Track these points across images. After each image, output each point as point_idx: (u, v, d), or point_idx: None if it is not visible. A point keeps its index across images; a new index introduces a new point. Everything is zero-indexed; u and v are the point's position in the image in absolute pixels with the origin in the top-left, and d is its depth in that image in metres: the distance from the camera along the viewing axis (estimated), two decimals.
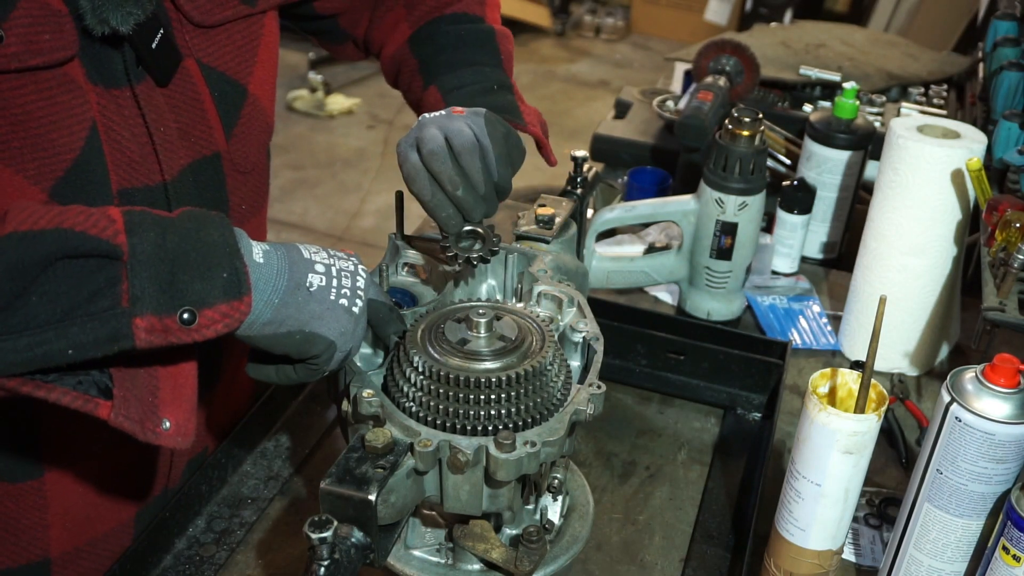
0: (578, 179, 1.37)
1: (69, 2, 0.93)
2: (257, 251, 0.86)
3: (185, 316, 0.80)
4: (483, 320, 0.91)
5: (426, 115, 1.03)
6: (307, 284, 0.87)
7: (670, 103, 2.15)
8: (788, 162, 1.92)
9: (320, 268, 0.88)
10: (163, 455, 1.21)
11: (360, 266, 0.92)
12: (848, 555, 1.16)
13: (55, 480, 1.10)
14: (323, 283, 0.88)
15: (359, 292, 0.90)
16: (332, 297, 0.88)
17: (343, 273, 0.90)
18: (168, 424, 0.86)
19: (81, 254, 0.77)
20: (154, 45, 0.98)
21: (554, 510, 1.02)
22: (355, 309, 0.89)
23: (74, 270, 0.77)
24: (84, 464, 1.12)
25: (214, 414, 1.28)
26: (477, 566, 0.96)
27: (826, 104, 2.10)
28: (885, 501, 1.22)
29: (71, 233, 0.77)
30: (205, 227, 0.83)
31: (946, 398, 0.94)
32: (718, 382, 1.40)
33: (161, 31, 0.99)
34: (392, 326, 0.96)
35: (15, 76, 0.90)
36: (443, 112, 1.02)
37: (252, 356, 0.94)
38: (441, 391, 0.87)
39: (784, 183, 1.74)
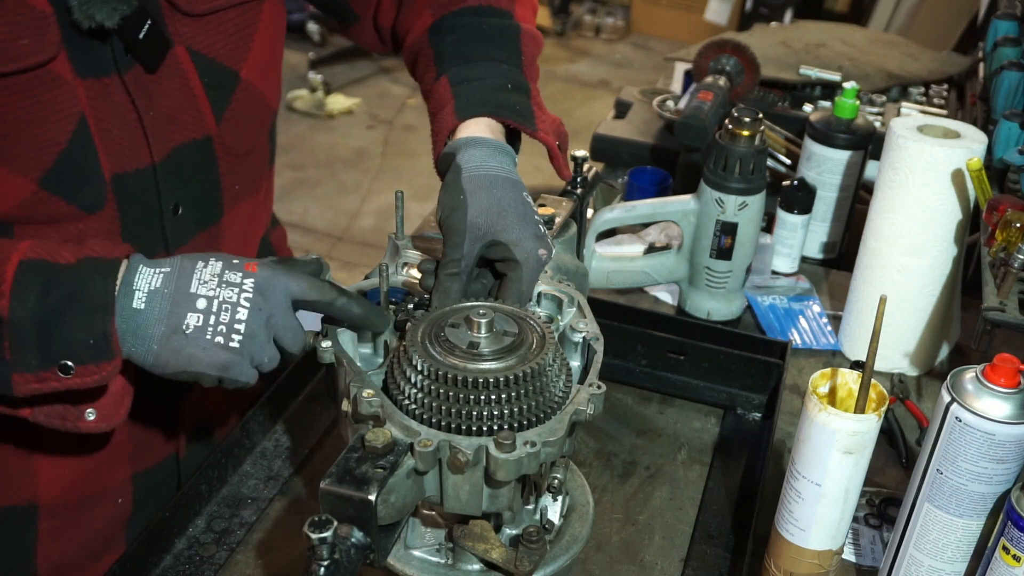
0: (578, 179, 1.37)
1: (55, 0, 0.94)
2: (140, 296, 0.90)
3: (63, 368, 0.87)
4: (483, 320, 0.91)
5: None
6: (183, 327, 0.90)
7: (670, 103, 2.15)
8: (788, 162, 1.92)
9: (201, 304, 0.90)
10: (162, 426, 1.22)
11: (245, 294, 0.92)
12: (848, 555, 1.16)
13: (45, 433, 1.10)
14: (199, 322, 0.90)
15: (236, 327, 0.91)
16: (208, 336, 0.90)
17: (224, 306, 0.91)
18: (93, 414, 0.94)
19: None
20: (141, 36, 1.00)
21: (554, 510, 1.02)
22: (232, 344, 0.91)
23: None
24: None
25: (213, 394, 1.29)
26: (477, 566, 0.96)
27: (826, 104, 2.10)
28: (885, 501, 1.22)
29: None
30: (93, 276, 0.88)
31: (946, 398, 0.93)
32: (718, 382, 1.40)
33: (149, 22, 1.00)
34: (343, 313, 0.96)
35: None
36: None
37: None
38: (441, 391, 0.87)
39: (784, 183, 1.74)
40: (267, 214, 1.35)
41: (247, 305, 0.92)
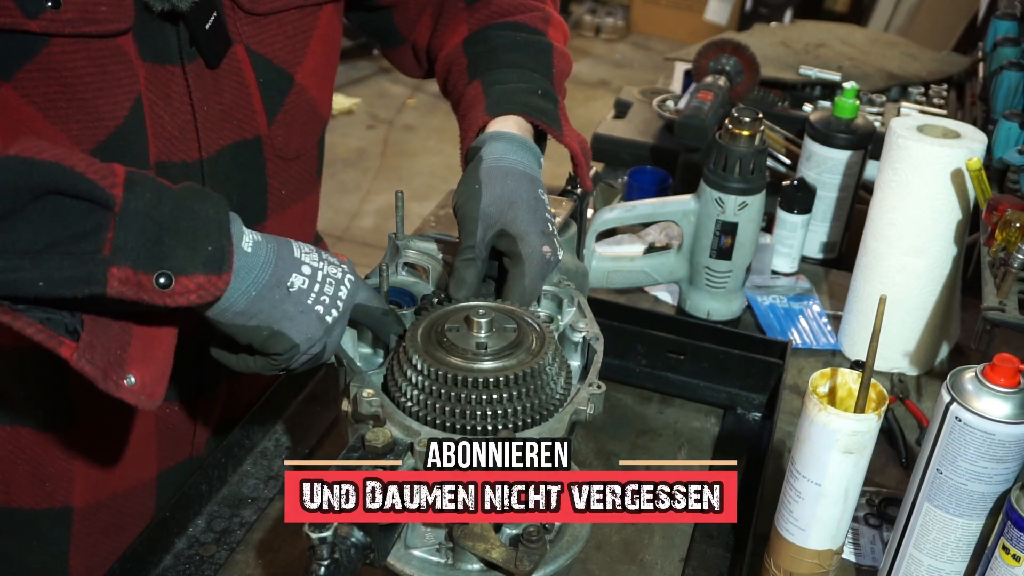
0: (578, 179, 1.37)
1: None
2: (247, 240, 0.87)
3: (162, 280, 0.81)
4: (483, 320, 0.91)
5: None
6: (288, 283, 0.88)
7: (670, 103, 2.15)
8: (788, 162, 1.92)
9: (306, 270, 0.89)
10: (187, 423, 1.24)
11: (348, 276, 0.92)
12: (848, 555, 1.16)
13: (84, 433, 1.14)
14: (304, 285, 0.88)
15: (338, 302, 0.90)
16: (309, 302, 0.88)
17: (328, 279, 0.90)
18: (133, 380, 0.88)
19: (74, 194, 0.78)
20: (207, 26, 1.01)
21: None
22: (328, 318, 0.90)
23: (64, 207, 0.79)
24: (112, 420, 1.15)
25: (237, 392, 1.29)
26: (477, 566, 0.96)
27: (826, 104, 2.10)
28: (885, 501, 1.22)
29: (70, 172, 0.78)
30: (202, 202, 0.84)
31: (946, 398, 0.94)
32: (718, 382, 1.40)
33: (215, 14, 1.01)
34: (386, 328, 0.96)
35: (69, 41, 0.92)
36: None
37: (217, 340, 0.95)
38: (441, 391, 0.87)
39: (784, 183, 1.74)
40: (312, 227, 1.35)
41: (348, 286, 0.91)
